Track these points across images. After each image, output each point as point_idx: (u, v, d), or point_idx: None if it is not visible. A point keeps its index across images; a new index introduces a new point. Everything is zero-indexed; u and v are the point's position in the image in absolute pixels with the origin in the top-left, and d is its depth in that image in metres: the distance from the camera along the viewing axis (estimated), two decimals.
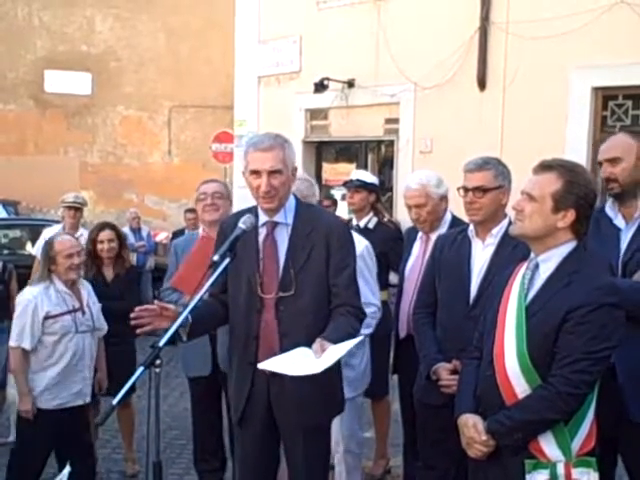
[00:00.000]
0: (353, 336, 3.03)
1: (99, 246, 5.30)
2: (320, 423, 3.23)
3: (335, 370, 3.22)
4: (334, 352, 2.78)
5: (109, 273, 5.35)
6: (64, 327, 4.29)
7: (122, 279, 5.36)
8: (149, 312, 2.85)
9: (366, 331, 3.81)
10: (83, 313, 4.40)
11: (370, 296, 4.02)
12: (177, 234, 10.62)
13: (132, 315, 2.83)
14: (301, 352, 2.90)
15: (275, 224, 3.13)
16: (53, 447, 4.39)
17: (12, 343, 4.31)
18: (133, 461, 5.42)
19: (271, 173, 3.02)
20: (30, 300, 4.26)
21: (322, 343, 2.81)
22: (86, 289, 4.53)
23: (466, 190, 3.40)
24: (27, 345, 4.25)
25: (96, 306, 4.56)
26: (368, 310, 3.50)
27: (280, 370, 2.85)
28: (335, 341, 2.86)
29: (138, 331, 2.85)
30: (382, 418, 5.21)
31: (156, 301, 2.98)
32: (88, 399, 4.46)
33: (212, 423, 4.58)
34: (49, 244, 4.38)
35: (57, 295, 4.31)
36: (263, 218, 3.14)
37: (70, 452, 4.31)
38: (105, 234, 5.31)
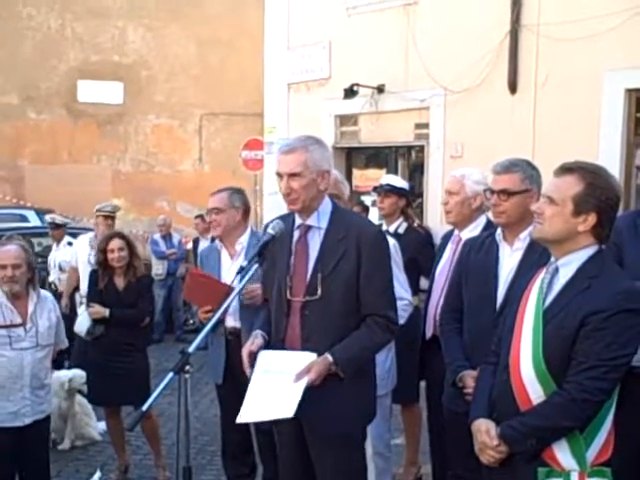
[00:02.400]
0: (372, 349, 3.09)
1: (109, 255, 5.32)
2: (350, 432, 3.14)
3: (369, 376, 3.19)
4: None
5: (120, 282, 5.38)
6: None
7: (134, 288, 5.37)
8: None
9: (399, 321, 3.77)
10: (25, 329, 4.12)
11: (401, 291, 3.98)
12: (196, 241, 10.82)
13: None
14: (290, 364, 2.92)
15: (308, 227, 3.11)
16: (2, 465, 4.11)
17: None
18: (164, 468, 5.43)
19: (291, 176, 3.01)
20: None
21: (309, 368, 2.87)
22: (35, 303, 4.21)
23: (492, 192, 3.35)
24: None
25: (50, 321, 4.27)
26: (400, 303, 3.47)
27: (257, 418, 2.95)
28: (343, 356, 2.92)
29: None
30: (412, 424, 5.16)
31: None
32: (27, 421, 4.16)
33: (238, 429, 4.54)
34: None
35: None
36: (298, 221, 3.13)
37: (24, 471, 4.15)
38: (115, 243, 5.33)
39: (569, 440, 2.43)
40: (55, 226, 8.11)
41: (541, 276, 2.61)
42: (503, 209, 3.31)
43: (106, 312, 5.26)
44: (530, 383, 2.48)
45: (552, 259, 2.60)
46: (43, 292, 4.39)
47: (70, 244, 8.26)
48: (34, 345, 4.16)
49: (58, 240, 8.10)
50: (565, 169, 2.56)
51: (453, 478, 3.63)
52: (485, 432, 2.56)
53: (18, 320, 4.11)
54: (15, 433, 4.10)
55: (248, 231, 4.45)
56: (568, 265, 2.53)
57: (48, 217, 8.56)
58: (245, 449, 4.65)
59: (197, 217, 11.18)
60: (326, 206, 3.13)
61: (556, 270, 2.56)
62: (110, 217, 7.33)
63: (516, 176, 3.31)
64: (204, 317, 4.10)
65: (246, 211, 4.46)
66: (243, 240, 4.39)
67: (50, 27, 18.90)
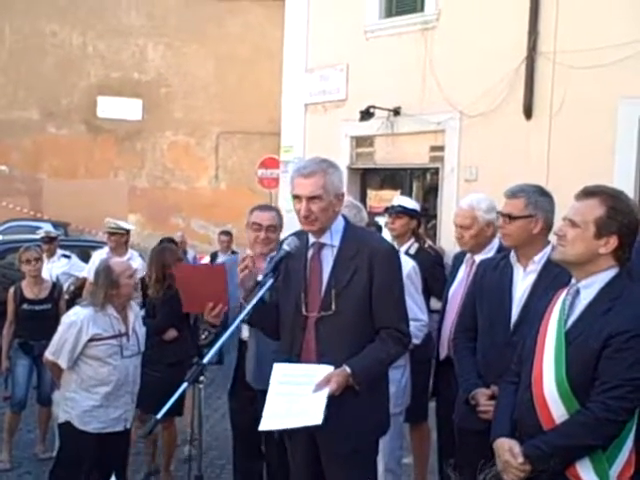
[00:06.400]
0: (386, 362, 3.14)
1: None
2: (362, 447, 3.19)
3: (382, 389, 3.24)
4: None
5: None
6: (108, 351, 4.28)
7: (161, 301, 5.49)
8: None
9: (414, 341, 3.82)
10: (128, 338, 4.38)
11: (417, 312, 4.07)
12: (214, 256, 10.83)
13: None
14: (307, 376, 2.97)
15: (322, 245, 3.19)
16: (91, 465, 4.34)
17: (48, 355, 4.34)
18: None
19: (310, 199, 3.09)
20: (76, 322, 4.26)
21: (329, 378, 2.92)
22: (134, 312, 4.51)
23: (499, 214, 3.50)
24: (63, 364, 4.28)
25: (142, 330, 4.57)
26: (416, 324, 3.52)
27: (282, 426, 2.96)
28: (359, 368, 2.98)
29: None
30: (421, 443, 5.18)
31: None
32: (129, 424, 4.43)
33: (250, 438, 4.48)
34: (107, 268, 4.34)
35: (105, 319, 4.30)
36: (312, 239, 3.21)
37: (108, 466, 4.27)
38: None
39: (592, 458, 2.48)
40: (48, 239, 8.12)
41: (562, 297, 2.66)
42: (508, 232, 3.42)
43: None
44: (553, 402, 2.53)
45: (573, 281, 2.65)
46: (132, 302, 4.58)
47: (66, 256, 8.24)
48: (136, 352, 4.45)
49: (51, 253, 8.09)
50: (587, 193, 2.62)
51: None
52: (508, 451, 2.60)
53: (124, 329, 4.36)
54: (113, 437, 4.31)
55: None
56: (590, 287, 2.59)
57: (41, 231, 8.56)
58: (255, 461, 4.68)
59: (222, 233, 11.18)
60: (338, 224, 3.21)
61: (577, 292, 2.62)
62: (115, 234, 7.36)
63: (520, 202, 3.40)
64: (214, 319, 3.95)
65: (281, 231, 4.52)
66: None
67: (72, 44, 19.17)
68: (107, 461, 4.34)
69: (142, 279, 5.77)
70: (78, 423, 4.28)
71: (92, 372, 4.28)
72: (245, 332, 4.27)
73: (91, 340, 4.23)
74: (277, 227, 4.33)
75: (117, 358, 4.31)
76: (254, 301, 2.91)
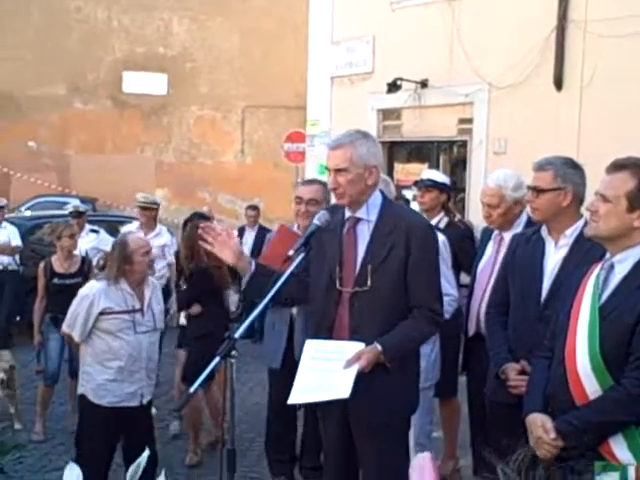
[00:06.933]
0: (418, 341, 3.14)
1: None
2: (394, 422, 3.19)
3: (413, 367, 3.23)
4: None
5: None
6: (120, 325, 4.26)
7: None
8: (215, 233, 3.08)
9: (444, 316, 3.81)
10: (143, 314, 4.36)
11: (447, 286, 4.04)
12: (241, 231, 10.88)
13: (201, 225, 3.10)
14: (339, 352, 2.97)
15: (358, 220, 3.17)
16: (112, 439, 4.36)
17: (65, 328, 4.40)
18: (196, 453, 5.54)
19: (337, 171, 3.08)
20: (88, 295, 4.27)
21: (359, 355, 2.91)
22: (151, 289, 4.47)
23: (528, 188, 3.43)
24: (76, 337, 4.30)
25: (159, 306, 4.53)
26: (446, 299, 3.52)
27: (310, 399, 2.97)
28: (390, 346, 2.97)
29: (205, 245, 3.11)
30: (451, 418, 5.18)
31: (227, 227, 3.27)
32: (145, 400, 4.43)
33: (286, 414, 4.61)
34: (123, 243, 4.34)
35: (118, 293, 4.28)
36: (347, 213, 3.19)
37: (131, 445, 4.33)
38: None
39: (625, 434, 2.46)
40: (77, 214, 8.17)
41: (595, 272, 2.63)
42: (536, 206, 3.38)
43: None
44: (586, 377, 2.51)
45: (607, 255, 2.62)
46: (150, 278, 4.57)
47: (94, 231, 8.30)
48: (151, 329, 4.42)
49: (80, 228, 8.13)
50: (617, 166, 2.57)
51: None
52: (541, 426, 2.59)
53: (138, 305, 4.34)
54: (129, 411, 4.33)
55: None
56: (624, 261, 2.55)
57: (69, 206, 8.63)
58: (289, 435, 4.74)
59: (249, 208, 11.20)
60: (376, 199, 3.17)
61: (611, 266, 2.58)
62: (147, 209, 7.43)
63: (548, 174, 3.34)
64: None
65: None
66: None
67: (97, 19, 19.19)
68: (132, 438, 4.35)
69: (177, 253, 6.18)
70: (93, 396, 4.29)
71: (105, 346, 4.28)
72: (294, 308, 4.31)
73: (102, 313, 4.23)
74: (319, 201, 4.32)
75: (130, 333, 4.28)
76: (284, 276, 2.90)
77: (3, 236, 8.63)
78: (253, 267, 3.17)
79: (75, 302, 4.33)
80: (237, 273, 3.41)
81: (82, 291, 4.38)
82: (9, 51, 18.18)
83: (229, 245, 3.13)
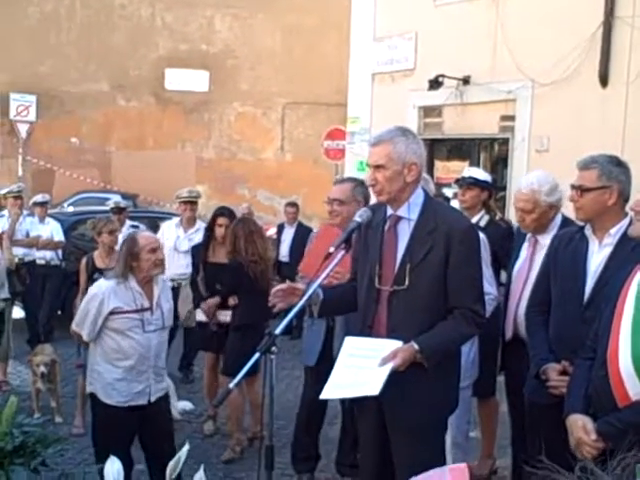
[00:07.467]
0: (457, 341, 3.10)
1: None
2: (431, 422, 3.15)
3: (453, 367, 3.19)
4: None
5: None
6: (129, 324, 4.21)
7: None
8: (282, 292, 3.05)
9: None
10: (152, 313, 4.29)
11: (486, 285, 3.96)
12: (280, 228, 10.91)
13: (270, 296, 3.09)
14: (376, 350, 2.95)
15: (398, 218, 3.14)
16: (126, 436, 4.29)
17: (74, 326, 4.35)
18: (234, 450, 5.58)
19: (376, 167, 3.07)
20: (97, 294, 4.22)
21: (395, 353, 2.88)
22: (160, 287, 4.39)
23: (572, 187, 3.35)
24: (85, 336, 4.27)
25: (168, 304, 4.46)
26: (485, 297, 3.47)
27: (342, 395, 2.99)
28: (427, 345, 2.94)
29: (274, 310, 3.11)
30: (489, 418, 5.12)
31: (288, 281, 3.28)
32: (153, 398, 4.34)
33: (318, 412, 4.66)
34: (132, 240, 4.28)
35: (127, 292, 4.22)
36: (389, 211, 3.17)
37: (148, 443, 4.34)
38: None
39: None
40: (118, 210, 8.24)
41: None
42: (579, 205, 3.30)
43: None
44: (629, 379, 2.48)
45: None
46: (160, 277, 4.51)
47: (135, 227, 8.35)
48: (160, 327, 4.37)
49: (121, 224, 8.21)
50: None
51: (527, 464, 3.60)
52: (582, 427, 2.57)
53: (147, 304, 4.29)
54: (139, 411, 4.30)
55: None
56: None
57: (110, 202, 8.72)
58: (316, 434, 4.77)
59: (288, 205, 11.24)
60: (417, 197, 3.13)
61: None
62: (190, 202, 7.50)
63: (593, 173, 3.26)
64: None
65: (366, 204, 4.48)
66: None
67: (141, 16, 19.41)
68: (147, 435, 4.34)
69: (195, 247, 6.69)
70: (102, 395, 4.27)
71: (115, 345, 4.24)
72: None
73: (112, 313, 4.19)
74: (344, 201, 4.31)
75: (139, 332, 4.23)
76: (324, 275, 2.90)
77: (46, 231, 8.76)
78: (321, 295, 3.15)
79: (85, 301, 4.31)
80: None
81: (91, 290, 4.34)
82: (53, 49, 18.48)
83: (296, 294, 3.10)
